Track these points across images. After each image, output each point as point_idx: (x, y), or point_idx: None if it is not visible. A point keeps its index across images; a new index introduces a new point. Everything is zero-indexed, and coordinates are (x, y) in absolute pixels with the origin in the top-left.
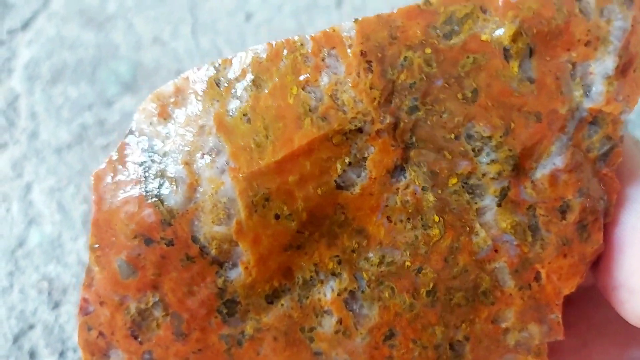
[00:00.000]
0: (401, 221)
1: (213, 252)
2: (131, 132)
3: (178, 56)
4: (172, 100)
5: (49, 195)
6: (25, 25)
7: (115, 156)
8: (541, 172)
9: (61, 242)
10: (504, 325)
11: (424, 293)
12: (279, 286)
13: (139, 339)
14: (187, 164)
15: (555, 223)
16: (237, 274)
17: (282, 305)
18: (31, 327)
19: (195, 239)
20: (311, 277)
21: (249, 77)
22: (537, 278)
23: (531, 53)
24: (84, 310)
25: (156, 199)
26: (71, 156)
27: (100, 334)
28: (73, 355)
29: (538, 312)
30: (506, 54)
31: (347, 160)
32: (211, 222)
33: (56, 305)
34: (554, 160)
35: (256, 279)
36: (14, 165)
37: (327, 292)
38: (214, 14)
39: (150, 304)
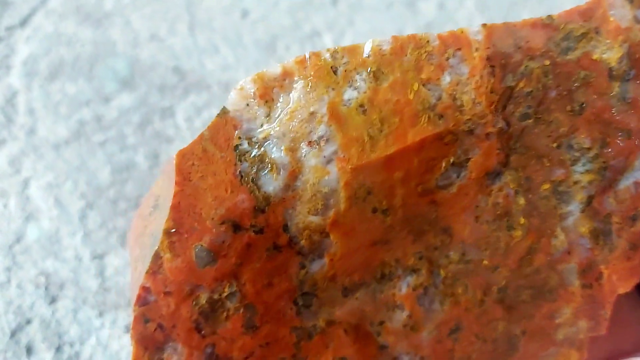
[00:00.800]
0: (487, 222)
1: (302, 242)
2: (225, 112)
3: (175, 53)
4: (277, 83)
5: (46, 191)
6: (23, 22)
7: (207, 134)
8: (624, 184)
9: (59, 238)
10: (558, 320)
11: (496, 290)
12: (358, 280)
13: (203, 332)
14: (291, 150)
15: (626, 230)
16: (320, 266)
17: (356, 298)
18: (28, 321)
19: (286, 228)
20: (390, 272)
21: (370, 68)
22: (599, 277)
23: (631, 76)
24: (141, 300)
25: (252, 184)
26: (69, 152)
27: (159, 326)
28: (70, 350)
29: (592, 309)
30: (610, 74)
31: (451, 160)
32: (307, 212)
33: (53, 300)
34: (635, 174)
35: (338, 272)
36: (12, 161)
37: (403, 287)
38: (210, 11)
39: (226, 294)
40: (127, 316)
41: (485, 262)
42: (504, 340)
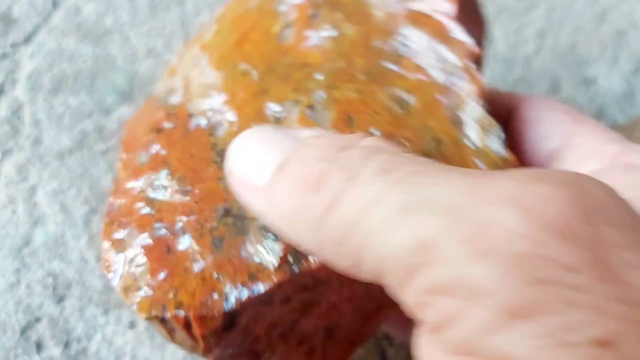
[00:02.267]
0: (327, 45)
1: (205, 121)
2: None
3: None
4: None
5: (52, 198)
6: (27, 39)
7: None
8: None
9: (64, 241)
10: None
11: (363, 74)
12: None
13: (152, 211)
14: (185, 78)
15: None
16: (224, 129)
17: None
18: (37, 319)
19: (190, 116)
20: (280, 113)
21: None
22: None
23: None
24: (108, 213)
25: (164, 103)
26: (72, 161)
27: (120, 223)
28: (77, 346)
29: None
30: None
31: (282, 24)
32: (201, 100)
33: (61, 300)
34: None
35: (240, 127)
36: (19, 169)
37: (295, 116)
38: None
39: (162, 176)
40: (130, 313)
41: (343, 65)
42: (392, 105)
